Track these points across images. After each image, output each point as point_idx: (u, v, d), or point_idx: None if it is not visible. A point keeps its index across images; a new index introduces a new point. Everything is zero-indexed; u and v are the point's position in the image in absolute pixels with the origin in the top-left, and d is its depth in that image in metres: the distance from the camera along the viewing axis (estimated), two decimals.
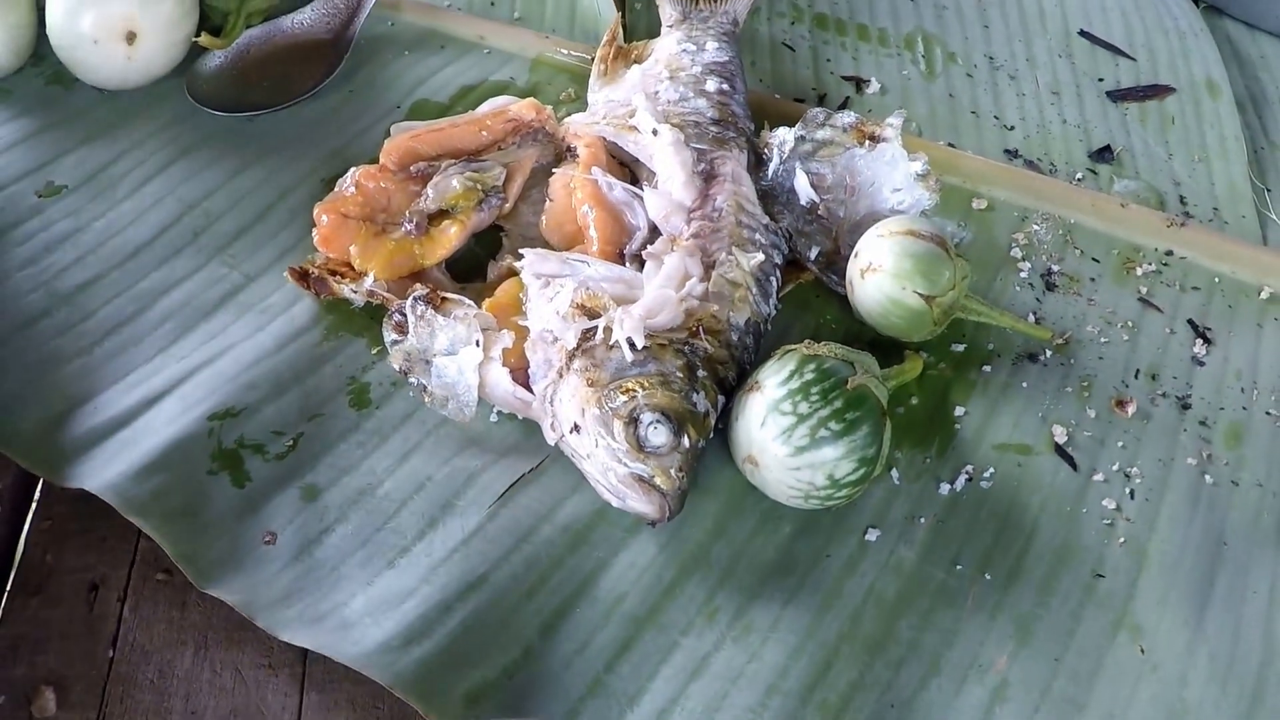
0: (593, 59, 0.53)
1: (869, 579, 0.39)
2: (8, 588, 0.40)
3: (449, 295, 0.42)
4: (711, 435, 0.40)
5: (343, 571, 0.38)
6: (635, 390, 0.38)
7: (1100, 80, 0.57)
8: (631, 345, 0.39)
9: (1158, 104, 0.56)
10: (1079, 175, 0.52)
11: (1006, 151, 0.53)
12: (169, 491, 0.39)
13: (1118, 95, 0.56)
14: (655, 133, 0.46)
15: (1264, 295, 0.48)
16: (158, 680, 0.37)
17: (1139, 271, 0.48)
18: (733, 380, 0.41)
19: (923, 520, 0.40)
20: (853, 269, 0.44)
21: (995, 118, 0.54)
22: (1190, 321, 0.47)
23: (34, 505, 0.42)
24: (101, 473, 0.39)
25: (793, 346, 0.40)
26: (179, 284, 0.46)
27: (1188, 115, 0.55)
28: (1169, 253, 0.49)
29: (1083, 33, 0.59)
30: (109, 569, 0.40)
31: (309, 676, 0.38)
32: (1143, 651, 0.37)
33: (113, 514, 0.39)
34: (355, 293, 0.44)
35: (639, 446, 0.38)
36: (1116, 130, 0.54)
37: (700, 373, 0.40)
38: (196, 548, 0.38)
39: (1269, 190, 0.53)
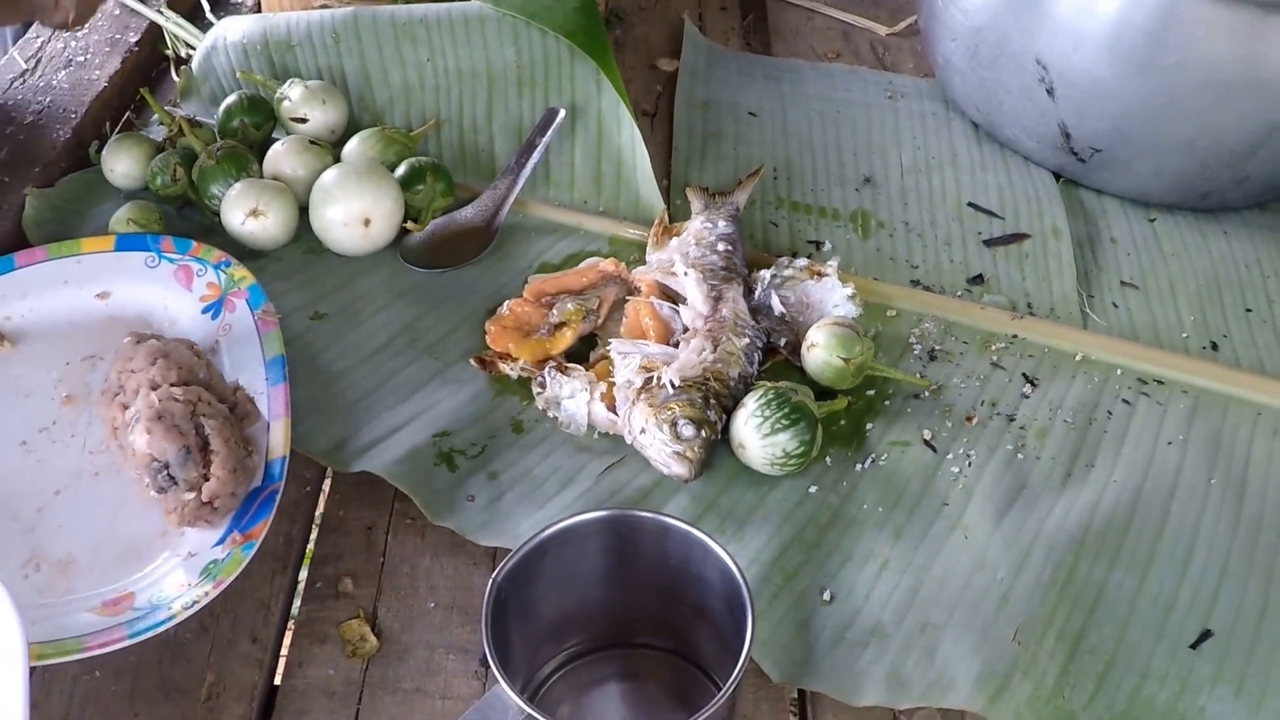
0: (648, 235, 0.96)
1: (811, 511, 0.77)
2: (316, 530, 0.81)
3: (569, 366, 0.84)
4: (718, 436, 0.80)
5: (514, 513, 0.75)
6: (674, 408, 0.78)
7: (980, 233, 1.00)
8: (672, 384, 0.80)
9: (1018, 246, 0.98)
10: (959, 293, 0.94)
11: (912, 281, 0.95)
12: (413, 473, 0.77)
13: (991, 242, 0.99)
14: (685, 274, 0.89)
15: (1078, 358, 0.88)
16: (410, 573, 0.76)
17: (993, 348, 0.89)
18: (731, 406, 0.81)
19: (845, 483, 0.79)
20: (804, 348, 0.85)
21: (906, 261, 0.97)
22: (1024, 374, 0.87)
23: (328, 486, 0.82)
24: (373, 464, 0.79)
25: (762, 382, 0.81)
26: (404, 369, 0.85)
27: (1038, 252, 0.97)
28: (1014, 336, 0.90)
29: (970, 204, 1.03)
30: (377, 518, 0.78)
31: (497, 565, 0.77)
32: (966, 538, 0.75)
33: (378, 489, 0.78)
34: (512, 370, 0.85)
35: (677, 437, 0.78)
36: (988, 264, 0.96)
37: (711, 400, 0.80)
38: (431, 503, 0.76)
39: (1091, 296, 0.94)
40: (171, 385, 0.78)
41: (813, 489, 0.79)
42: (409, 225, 0.96)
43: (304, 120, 1.03)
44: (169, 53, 1.21)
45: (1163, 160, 1.00)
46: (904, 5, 1.34)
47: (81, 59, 1.15)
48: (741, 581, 0.61)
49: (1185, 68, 0.93)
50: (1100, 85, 0.97)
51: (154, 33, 1.21)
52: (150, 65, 1.21)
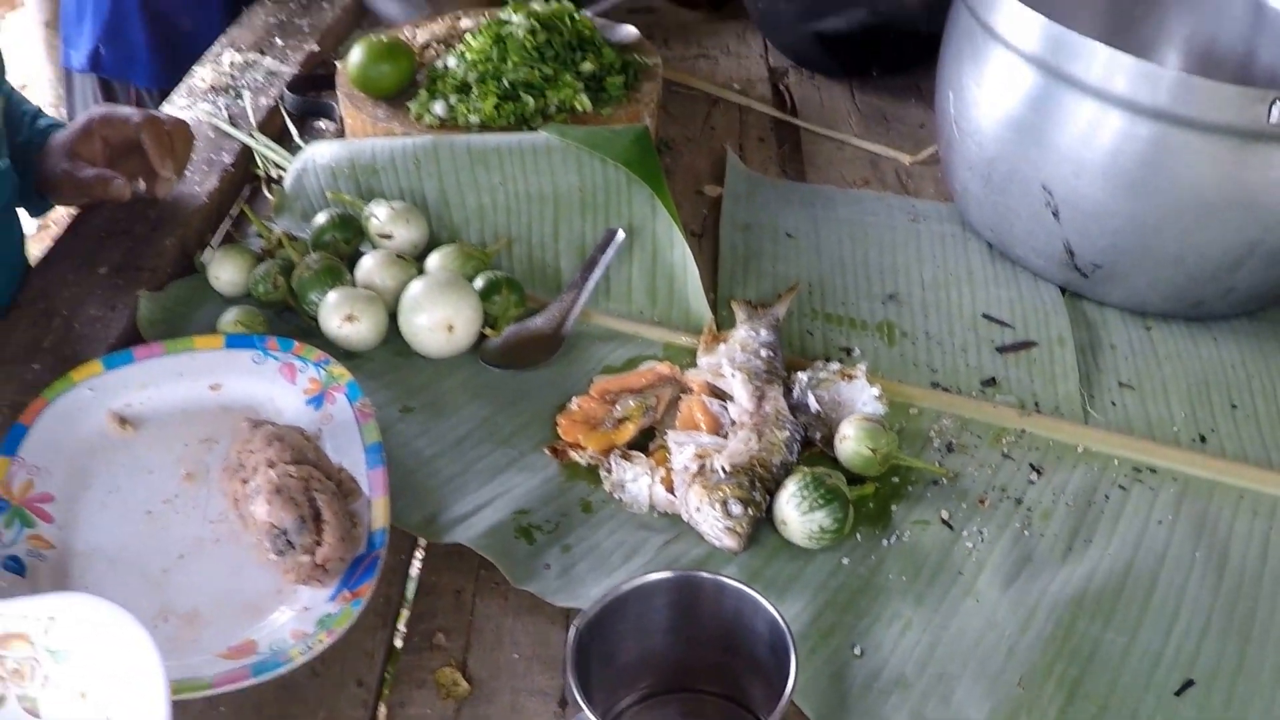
0: (699, 342, 1.12)
1: (843, 579, 0.91)
2: (413, 593, 0.95)
3: (632, 454, 0.99)
4: (763, 515, 0.94)
5: (586, 580, 0.90)
6: (725, 490, 0.93)
7: (992, 341, 1.15)
8: (723, 470, 0.95)
9: (1027, 352, 1.13)
10: (974, 393, 1.09)
11: (932, 383, 1.10)
12: (497, 545, 0.92)
13: (1002, 349, 1.14)
14: (733, 376, 1.05)
15: (1080, 450, 1.03)
16: (496, 629, 0.90)
17: (1004, 441, 1.04)
18: (774, 488, 0.95)
19: (873, 557, 0.94)
20: (836, 439, 1.00)
21: (927, 365, 1.12)
22: (1031, 464, 1.02)
23: (421, 555, 0.96)
24: (461, 536, 0.94)
25: (801, 468, 0.95)
26: (485, 457, 0.99)
27: (1044, 358, 1.13)
28: (1023, 431, 1.05)
29: (984, 315, 1.18)
30: (465, 583, 0.92)
31: (570, 623, 0.91)
32: (978, 602, 0.89)
33: (465, 558, 0.92)
34: (582, 458, 1.00)
35: (727, 514, 0.92)
36: (999, 368, 1.12)
37: (757, 483, 0.95)
38: (513, 570, 0.91)
39: (1092, 395, 1.09)
40: (286, 464, 0.93)
41: (845, 561, 0.93)
42: (487, 331, 1.12)
43: (390, 237, 1.19)
44: (260, 172, 1.38)
45: (1157, 274, 1.15)
46: (925, 137, 1.52)
47: (184, 176, 1.32)
48: (784, 627, 0.75)
49: (1174, 191, 1.09)
50: (1099, 207, 1.13)
51: (246, 154, 1.39)
52: (242, 183, 1.38)
